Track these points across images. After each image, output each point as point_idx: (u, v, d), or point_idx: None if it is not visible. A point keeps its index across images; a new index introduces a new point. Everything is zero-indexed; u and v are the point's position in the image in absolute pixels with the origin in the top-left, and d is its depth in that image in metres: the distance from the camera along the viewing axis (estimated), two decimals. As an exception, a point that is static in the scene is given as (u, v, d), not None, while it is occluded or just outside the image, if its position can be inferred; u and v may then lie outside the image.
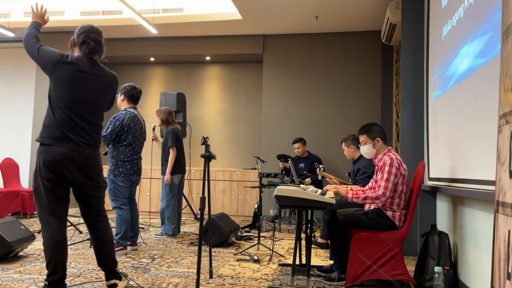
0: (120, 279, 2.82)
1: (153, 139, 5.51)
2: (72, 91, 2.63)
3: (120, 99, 4.39)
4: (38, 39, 2.73)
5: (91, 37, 2.71)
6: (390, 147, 3.39)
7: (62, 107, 2.61)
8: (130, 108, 4.36)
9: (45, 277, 2.63)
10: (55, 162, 2.58)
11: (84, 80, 2.67)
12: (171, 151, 5.22)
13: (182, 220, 6.72)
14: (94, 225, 2.81)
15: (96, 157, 2.76)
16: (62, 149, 2.59)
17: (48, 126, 2.63)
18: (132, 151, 4.30)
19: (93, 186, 2.74)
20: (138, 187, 4.59)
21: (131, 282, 3.12)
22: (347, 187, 3.53)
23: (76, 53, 2.75)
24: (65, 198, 2.70)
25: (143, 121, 4.51)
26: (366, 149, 3.41)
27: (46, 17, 2.89)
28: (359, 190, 3.39)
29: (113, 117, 4.27)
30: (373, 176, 3.47)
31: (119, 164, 4.23)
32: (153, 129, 5.52)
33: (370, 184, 3.51)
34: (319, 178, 5.66)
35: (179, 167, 5.31)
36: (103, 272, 2.83)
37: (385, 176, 3.14)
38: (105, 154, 4.39)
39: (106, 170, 4.30)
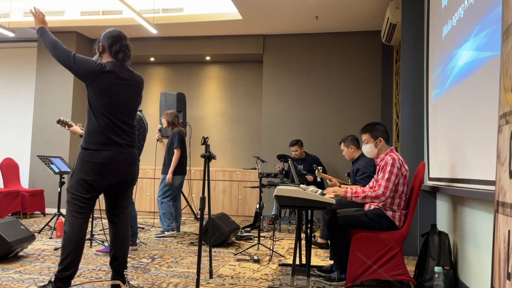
0: (124, 283, 2.87)
1: (157, 140, 5.58)
2: (113, 98, 2.74)
3: None
4: (64, 46, 2.78)
5: (124, 44, 2.82)
6: (392, 147, 3.39)
7: (105, 113, 2.72)
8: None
9: (56, 272, 2.66)
10: (103, 165, 2.69)
11: (122, 87, 2.79)
12: (175, 151, 5.29)
13: (182, 220, 6.74)
14: (117, 221, 2.89)
15: (136, 156, 2.90)
16: (109, 153, 2.71)
17: (93, 132, 2.72)
18: None
19: (130, 185, 2.90)
20: (137, 187, 4.60)
21: (131, 282, 3.13)
22: (346, 187, 3.53)
23: (105, 59, 2.81)
24: (95, 200, 2.81)
25: (146, 124, 4.54)
26: (368, 148, 3.41)
27: (46, 21, 2.93)
28: (359, 189, 3.40)
29: None
30: (374, 176, 3.47)
31: None
32: (159, 130, 5.62)
33: (370, 183, 3.51)
34: (318, 179, 5.66)
35: (181, 169, 5.35)
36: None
37: (386, 175, 3.14)
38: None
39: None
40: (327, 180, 4.83)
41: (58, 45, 2.74)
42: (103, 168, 2.69)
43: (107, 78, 2.72)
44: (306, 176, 6.05)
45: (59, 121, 3.97)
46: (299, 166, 6.53)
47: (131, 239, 4.42)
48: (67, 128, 3.95)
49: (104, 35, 2.83)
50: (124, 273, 2.91)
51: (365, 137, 3.42)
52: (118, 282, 2.84)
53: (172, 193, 5.33)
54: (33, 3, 7.18)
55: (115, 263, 2.86)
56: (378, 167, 3.36)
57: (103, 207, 2.99)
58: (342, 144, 4.69)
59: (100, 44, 2.83)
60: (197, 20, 7.04)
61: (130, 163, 2.82)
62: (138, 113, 4.41)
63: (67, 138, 7.60)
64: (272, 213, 6.51)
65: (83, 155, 2.71)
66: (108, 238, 2.95)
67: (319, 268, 3.59)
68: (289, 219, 6.78)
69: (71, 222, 2.68)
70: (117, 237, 2.88)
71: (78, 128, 3.93)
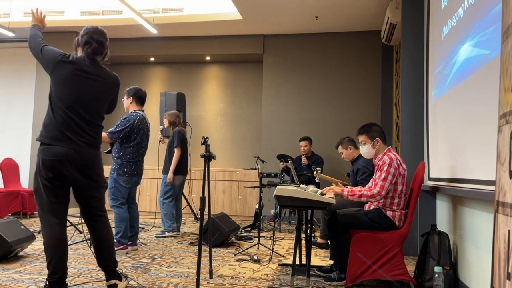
0: (120, 280, 2.82)
1: (160, 141, 5.60)
2: (72, 91, 2.63)
3: (128, 101, 4.43)
4: (41, 39, 2.77)
5: (94, 38, 2.73)
6: (390, 146, 3.39)
7: (62, 106, 2.62)
8: (139, 110, 4.41)
9: (46, 277, 2.62)
10: (55, 161, 2.59)
11: (84, 80, 2.67)
12: (176, 151, 5.28)
13: (182, 220, 6.74)
14: (94, 225, 2.81)
15: (96, 156, 2.75)
16: (61, 148, 2.60)
17: (48, 125, 2.64)
18: (137, 152, 4.36)
19: (93, 186, 2.74)
20: (138, 187, 4.62)
21: (131, 282, 3.13)
22: (346, 187, 3.53)
23: (79, 53, 2.77)
24: (65, 198, 2.70)
25: (149, 123, 4.55)
26: (365, 149, 3.41)
27: (45, 22, 2.93)
28: (355, 188, 3.40)
29: (124, 117, 4.31)
30: (373, 177, 3.47)
31: (124, 164, 4.26)
32: (161, 131, 5.65)
33: (370, 184, 3.51)
34: (317, 180, 5.66)
35: (182, 169, 5.35)
36: (103, 272, 2.83)
37: (383, 175, 3.14)
38: (108, 152, 4.43)
39: (106, 169, 4.31)
40: (333, 184, 4.80)
41: (34, 38, 2.72)
42: (56, 165, 2.58)
43: (67, 68, 2.63)
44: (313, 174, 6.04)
45: None
46: (302, 164, 6.54)
47: (132, 239, 4.42)
48: None
49: (82, 30, 2.79)
50: (117, 270, 2.85)
51: (362, 138, 3.42)
52: (113, 281, 2.79)
53: (173, 193, 5.33)
54: (33, 3, 7.18)
55: (104, 264, 2.80)
56: (376, 167, 3.36)
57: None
58: (340, 147, 4.68)
59: (76, 38, 2.80)
60: (197, 20, 7.04)
61: (87, 163, 2.67)
62: (141, 113, 4.43)
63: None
64: (272, 212, 6.50)
65: (38, 152, 2.64)
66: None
67: (319, 268, 3.59)
68: (289, 219, 6.78)
69: (45, 224, 2.61)
70: (99, 241, 2.80)
71: None
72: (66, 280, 2.68)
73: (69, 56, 2.67)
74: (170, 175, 5.24)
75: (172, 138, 5.38)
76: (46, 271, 2.63)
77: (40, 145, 2.65)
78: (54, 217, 2.62)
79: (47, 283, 2.62)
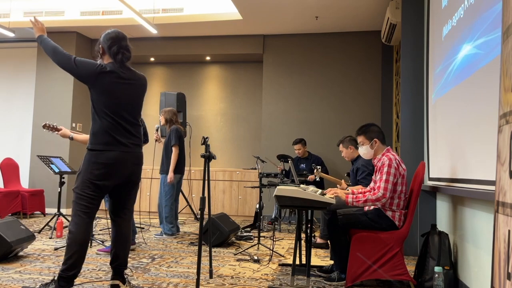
0: (124, 283, 2.88)
1: (156, 140, 5.52)
2: (116, 98, 2.76)
3: None
4: (64, 51, 2.81)
5: (123, 45, 2.84)
6: (389, 147, 3.39)
7: (108, 113, 2.74)
8: None
9: (60, 271, 2.67)
10: (109, 165, 2.71)
11: (124, 86, 2.81)
12: (173, 149, 5.21)
13: (182, 220, 6.74)
14: (120, 222, 2.91)
15: (142, 156, 2.93)
16: (114, 153, 2.73)
17: (98, 133, 2.75)
18: None
19: (135, 185, 2.92)
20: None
21: (131, 282, 3.13)
22: (347, 189, 3.54)
23: (106, 60, 2.85)
24: (101, 200, 2.82)
25: (144, 123, 4.53)
26: (364, 150, 3.41)
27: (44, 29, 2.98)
28: (359, 193, 3.40)
29: None
30: (372, 177, 3.47)
31: None
32: (156, 130, 5.55)
33: (371, 184, 3.51)
34: (317, 179, 5.66)
35: (179, 168, 5.31)
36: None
37: (384, 177, 3.14)
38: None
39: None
40: (338, 185, 4.80)
41: (59, 51, 2.77)
42: (109, 168, 2.72)
43: (108, 78, 2.74)
44: (309, 177, 6.04)
45: (44, 126, 3.91)
46: (301, 165, 6.55)
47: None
48: (56, 132, 3.90)
49: (104, 37, 2.85)
50: (124, 273, 2.91)
51: (360, 139, 3.42)
52: (117, 282, 2.85)
53: (173, 194, 5.29)
54: (33, 3, 7.18)
55: (116, 262, 2.87)
56: (375, 167, 3.36)
57: (103, 207, 3.00)
58: (341, 145, 4.69)
59: (100, 46, 2.86)
60: (197, 20, 7.04)
61: (135, 162, 2.85)
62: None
63: (68, 138, 7.58)
64: (273, 216, 6.49)
65: (89, 156, 2.73)
66: (109, 238, 2.95)
67: (320, 268, 3.59)
68: (289, 219, 6.78)
69: (76, 222, 2.70)
70: (119, 237, 2.90)
71: (67, 131, 3.91)
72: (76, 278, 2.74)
73: (105, 66, 2.77)
74: (170, 174, 5.16)
75: (169, 136, 5.30)
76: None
77: (90, 151, 2.75)
78: (87, 217, 2.73)
79: (58, 276, 2.66)
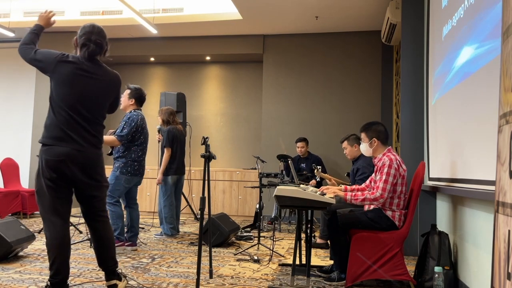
0: (120, 280, 2.81)
1: (159, 141, 5.50)
2: (73, 90, 2.62)
3: (128, 101, 4.40)
4: (32, 45, 2.71)
5: (92, 39, 2.70)
6: (389, 147, 3.39)
7: (63, 106, 2.60)
8: (138, 109, 4.41)
9: (48, 277, 2.61)
10: (58, 162, 2.57)
11: (85, 79, 2.66)
12: (165, 151, 5.20)
13: (182, 220, 6.74)
14: (95, 225, 2.80)
15: (98, 157, 2.74)
16: (64, 149, 2.58)
17: (50, 126, 2.62)
18: (142, 151, 4.38)
19: (95, 186, 2.73)
20: (138, 187, 4.61)
21: (131, 282, 3.13)
22: (340, 185, 3.54)
23: (79, 53, 2.75)
24: (68, 198, 2.70)
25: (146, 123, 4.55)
26: (363, 147, 3.44)
27: (51, 20, 2.88)
28: (358, 191, 3.40)
29: (128, 117, 4.29)
30: (372, 176, 3.47)
31: (129, 163, 4.26)
32: (159, 131, 5.53)
33: (367, 182, 3.51)
34: (317, 179, 5.66)
35: (175, 168, 5.27)
36: (103, 272, 2.82)
37: (384, 177, 3.14)
38: (110, 154, 4.42)
39: (108, 169, 4.30)
40: (327, 180, 4.83)
41: (24, 44, 2.68)
42: (59, 165, 2.56)
43: (67, 68, 2.61)
44: (310, 182, 6.04)
45: None
46: (302, 165, 6.55)
47: (131, 239, 4.42)
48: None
49: (80, 29, 2.76)
50: (117, 269, 2.84)
51: (362, 135, 3.45)
52: (113, 282, 2.78)
53: (171, 194, 5.28)
54: (33, 3, 7.19)
55: (104, 265, 2.79)
56: (376, 167, 3.36)
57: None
58: (346, 142, 4.64)
59: (75, 37, 2.77)
60: (197, 20, 7.04)
61: (90, 163, 2.66)
62: (141, 112, 4.43)
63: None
64: (273, 215, 6.50)
65: (41, 153, 2.62)
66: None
67: (320, 268, 3.59)
68: (289, 219, 6.78)
69: (48, 225, 2.59)
70: (100, 242, 2.79)
71: None
72: (67, 280, 2.68)
73: (67, 55, 2.66)
74: (159, 176, 5.17)
75: (163, 137, 5.28)
76: (46, 271, 2.63)
77: (42, 146, 2.63)
78: (58, 218, 2.61)
79: (49, 283, 2.60)
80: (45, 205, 2.61)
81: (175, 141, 5.27)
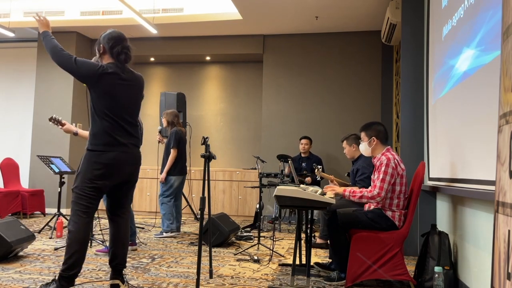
0: (123, 282, 2.88)
1: (159, 142, 5.58)
2: (116, 99, 2.77)
3: None
4: (65, 50, 2.79)
5: (125, 46, 2.86)
6: (389, 146, 3.39)
7: (109, 114, 2.74)
8: None
9: (60, 271, 2.67)
10: (109, 166, 2.72)
11: (124, 87, 2.82)
12: (172, 151, 5.27)
13: (182, 220, 6.73)
14: (118, 221, 2.92)
15: (140, 155, 2.95)
16: (114, 153, 2.74)
17: (98, 134, 2.75)
18: None
19: (133, 184, 2.95)
20: (137, 187, 4.61)
21: (131, 282, 3.13)
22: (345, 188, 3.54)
23: (106, 60, 2.84)
24: (100, 199, 2.83)
25: (141, 123, 4.53)
26: (362, 147, 3.45)
27: (50, 24, 2.94)
28: (356, 189, 3.40)
29: None
30: (372, 177, 3.47)
31: None
32: (159, 132, 5.61)
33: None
34: (318, 178, 5.67)
35: (180, 169, 5.34)
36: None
37: (381, 176, 3.14)
38: None
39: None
40: (329, 181, 4.82)
41: (59, 50, 2.75)
42: (109, 169, 2.73)
43: (110, 80, 2.75)
44: (306, 179, 6.05)
45: (51, 119, 4.00)
46: (303, 164, 6.56)
47: (131, 239, 4.41)
48: (60, 126, 3.96)
49: (105, 36, 2.84)
50: (123, 272, 2.91)
51: (362, 135, 3.46)
52: (117, 281, 2.86)
53: (172, 193, 5.33)
54: (33, 3, 7.18)
55: (115, 262, 2.87)
56: (375, 167, 3.36)
57: (102, 207, 3.01)
58: (345, 142, 4.65)
59: (101, 45, 2.85)
60: (197, 20, 7.04)
61: (134, 163, 2.87)
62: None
63: (67, 138, 7.59)
64: (273, 215, 6.50)
65: (89, 156, 2.74)
66: (108, 238, 2.95)
67: (318, 263, 3.61)
68: (289, 219, 6.78)
69: (76, 221, 2.70)
70: (117, 236, 2.91)
71: (71, 126, 3.94)
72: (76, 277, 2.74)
73: (107, 67, 2.76)
74: (163, 175, 5.26)
75: (169, 138, 5.36)
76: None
77: (90, 151, 2.75)
78: (87, 216, 2.73)
79: (59, 276, 2.66)
80: (81, 204, 2.72)
81: (180, 143, 5.35)
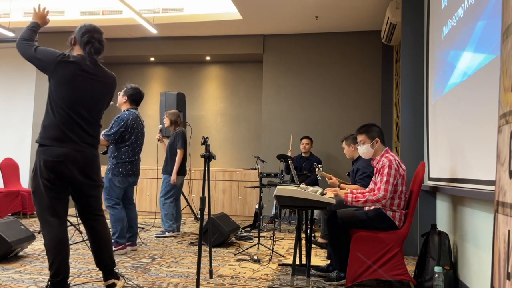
0: (118, 279, 2.82)
1: (158, 140, 5.57)
2: (74, 91, 2.62)
3: (122, 100, 4.40)
4: (31, 41, 2.70)
5: (95, 37, 2.73)
6: (387, 147, 3.39)
7: (63, 106, 2.60)
8: (132, 108, 4.38)
9: (48, 278, 2.61)
10: (56, 162, 2.58)
11: (86, 80, 2.67)
12: (179, 152, 5.27)
13: (182, 220, 6.73)
14: (92, 225, 2.80)
15: (95, 157, 2.76)
16: (63, 149, 2.59)
17: (49, 126, 2.62)
18: (133, 152, 4.32)
19: (92, 185, 2.74)
20: (137, 187, 4.61)
21: (130, 282, 3.13)
22: (346, 190, 3.53)
23: (76, 52, 2.76)
24: (65, 198, 2.69)
25: (143, 122, 4.53)
26: (364, 149, 3.40)
27: (47, 19, 2.88)
28: (359, 193, 3.39)
29: (117, 117, 4.27)
30: (372, 178, 3.47)
31: (119, 164, 4.23)
32: (160, 130, 5.61)
33: (370, 185, 3.50)
34: (318, 178, 5.66)
35: (182, 169, 5.35)
36: (101, 272, 2.82)
37: (385, 178, 3.13)
38: (104, 153, 4.41)
39: (103, 169, 4.30)
40: (327, 179, 4.81)
41: (22, 40, 2.66)
42: (58, 166, 2.57)
43: (69, 68, 2.61)
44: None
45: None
46: (303, 164, 6.56)
47: (131, 240, 4.41)
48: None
49: (78, 28, 2.77)
50: (115, 269, 2.85)
51: (361, 138, 3.41)
52: (112, 281, 2.79)
53: (174, 194, 5.33)
54: (33, 3, 7.18)
55: (101, 264, 2.79)
56: (375, 169, 3.36)
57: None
58: (344, 142, 4.66)
59: (73, 36, 2.78)
60: (197, 20, 7.04)
61: (87, 163, 2.68)
62: (134, 111, 4.38)
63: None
64: (272, 213, 6.51)
65: (38, 153, 2.61)
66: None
67: (315, 267, 3.58)
68: (289, 219, 6.78)
69: (45, 225, 2.59)
70: (97, 241, 2.79)
71: None
72: (68, 280, 2.68)
73: (68, 56, 2.65)
74: (174, 176, 5.20)
75: (175, 138, 5.35)
76: (46, 271, 2.63)
77: (39, 146, 2.63)
78: (55, 218, 2.61)
79: (49, 284, 2.60)
80: (42, 205, 2.60)
81: (186, 143, 5.38)
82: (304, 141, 6.66)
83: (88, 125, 2.69)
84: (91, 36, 2.71)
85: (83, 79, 2.66)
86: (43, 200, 2.60)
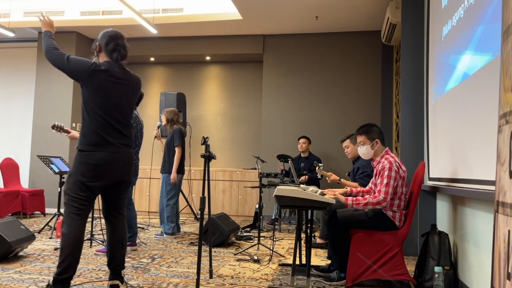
0: (122, 283, 2.87)
1: (155, 137, 5.53)
2: (108, 97, 2.74)
3: None
4: (59, 50, 2.79)
5: (120, 44, 2.83)
6: (387, 148, 3.38)
7: (99, 112, 2.72)
8: None
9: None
10: (99, 166, 2.70)
11: (117, 85, 2.79)
12: (177, 149, 5.25)
13: (182, 220, 6.74)
14: (114, 222, 2.90)
15: (132, 156, 2.90)
16: (104, 154, 2.71)
17: (87, 133, 2.73)
18: None
19: (126, 185, 2.90)
20: (137, 187, 4.60)
21: (131, 282, 3.13)
22: (346, 188, 3.53)
23: (102, 58, 2.84)
24: (93, 200, 2.81)
25: (142, 121, 4.52)
26: (364, 150, 3.39)
27: (53, 26, 2.96)
28: (359, 192, 3.39)
29: None
30: (372, 179, 3.46)
31: None
32: (158, 127, 5.57)
33: (370, 185, 3.50)
34: (319, 176, 5.66)
35: (181, 168, 5.34)
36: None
37: (385, 181, 3.13)
38: None
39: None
40: (326, 178, 4.80)
41: (52, 48, 2.75)
42: (99, 169, 2.70)
43: (101, 77, 2.72)
44: (301, 178, 6.04)
45: (54, 127, 3.98)
46: (302, 164, 6.56)
47: (131, 240, 4.41)
48: (66, 134, 3.97)
49: (102, 35, 2.85)
50: (122, 273, 2.90)
51: (361, 138, 3.40)
52: (117, 282, 2.84)
53: (175, 194, 5.30)
54: (33, 3, 7.18)
55: (113, 263, 2.86)
56: (375, 170, 3.35)
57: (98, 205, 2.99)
58: (348, 141, 4.60)
59: (97, 43, 2.86)
60: (197, 20, 7.04)
61: (126, 163, 2.82)
62: (134, 111, 4.39)
63: (67, 138, 7.56)
64: (273, 216, 6.50)
65: (79, 157, 2.71)
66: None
67: (316, 267, 3.59)
68: (289, 219, 6.78)
69: (69, 224, 2.67)
70: (115, 238, 2.89)
71: (76, 133, 3.94)
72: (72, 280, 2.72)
73: (99, 64, 2.75)
74: (173, 175, 5.19)
75: (172, 136, 5.33)
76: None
77: (80, 151, 2.73)
78: (80, 218, 2.70)
79: (53, 280, 2.64)
80: (73, 206, 2.69)
81: (184, 140, 5.35)
82: (301, 140, 6.67)
83: (122, 127, 2.82)
84: (116, 43, 2.81)
85: (114, 85, 2.77)
86: (76, 201, 2.69)
